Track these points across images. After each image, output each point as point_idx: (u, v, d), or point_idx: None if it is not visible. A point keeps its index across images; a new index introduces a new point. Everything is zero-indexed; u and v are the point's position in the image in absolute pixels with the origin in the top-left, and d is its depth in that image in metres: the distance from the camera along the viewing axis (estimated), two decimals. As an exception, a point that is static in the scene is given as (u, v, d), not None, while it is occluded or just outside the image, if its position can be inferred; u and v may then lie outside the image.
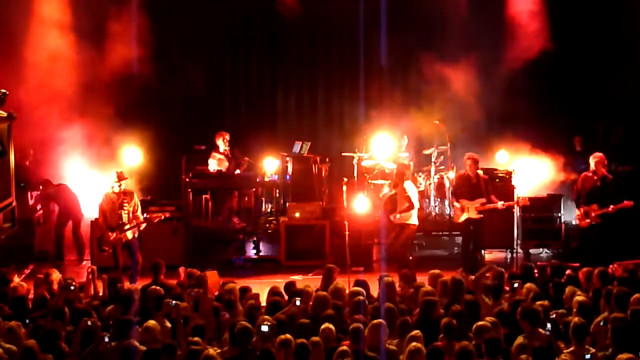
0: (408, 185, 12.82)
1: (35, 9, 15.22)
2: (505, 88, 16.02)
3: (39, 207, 14.88)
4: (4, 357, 7.76)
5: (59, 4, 15.36)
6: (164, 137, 16.72)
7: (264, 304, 9.65)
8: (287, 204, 15.44)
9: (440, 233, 15.50)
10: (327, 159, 16.22)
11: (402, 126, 15.69)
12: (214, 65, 17.93)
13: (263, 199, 16.08)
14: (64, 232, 14.74)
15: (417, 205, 12.79)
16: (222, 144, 15.17)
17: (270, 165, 15.97)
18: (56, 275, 10.49)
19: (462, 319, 8.40)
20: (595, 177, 12.86)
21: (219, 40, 17.84)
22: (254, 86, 18.12)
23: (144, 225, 12.63)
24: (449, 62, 15.92)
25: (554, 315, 8.35)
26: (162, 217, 12.92)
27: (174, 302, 8.80)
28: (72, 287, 9.94)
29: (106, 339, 8.03)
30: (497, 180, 14.42)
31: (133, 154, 15.02)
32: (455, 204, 13.12)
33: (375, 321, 8.16)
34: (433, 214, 15.78)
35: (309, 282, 10.92)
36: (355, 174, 15.11)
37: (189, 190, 14.70)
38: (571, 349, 7.81)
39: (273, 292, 9.79)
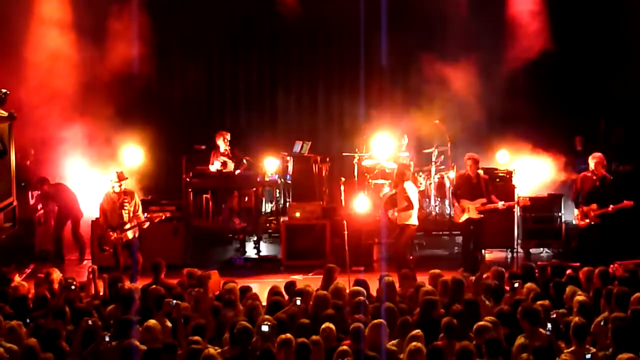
0: (408, 185, 12.81)
1: (36, 8, 15.23)
2: (505, 88, 16.02)
3: (39, 206, 14.88)
4: (5, 356, 7.76)
5: (59, 3, 15.36)
6: (165, 137, 16.67)
7: (264, 303, 9.66)
8: (288, 204, 15.45)
9: (441, 233, 15.53)
10: (328, 159, 16.20)
11: (402, 126, 15.68)
12: (214, 65, 17.92)
13: (263, 198, 16.06)
14: (64, 231, 14.73)
15: (417, 205, 12.77)
16: (222, 143, 15.15)
17: (270, 165, 15.97)
18: (57, 275, 10.51)
19: (462, 319, 8.39)
20: (595, 177, 12.87)
21: (219, 40, 17.83)
22: (254, 86, 18.09)
23: (147, 224, 12.65)
24: (450, 62, 15.89)
25: (554, 315, 8.32)
26: (163, 217, 12.94)
27: (174, 301, 8.80)
28: (73, 287, 9.95)
29: (107, 339, 8.03)
30: (498, 180, 14.41)
31: (133, 154, 15.03)
32: (456, 204, 13.13)
33: (375, 321, 8.16)
34: (433, 213, 15.78)
35: (309, 281, 10.90)
36: (355, 174, 15.12)
37: (190, 190, 14.68)
38: (572, 348, 7.81)
39: (273, 291, 9.80)
